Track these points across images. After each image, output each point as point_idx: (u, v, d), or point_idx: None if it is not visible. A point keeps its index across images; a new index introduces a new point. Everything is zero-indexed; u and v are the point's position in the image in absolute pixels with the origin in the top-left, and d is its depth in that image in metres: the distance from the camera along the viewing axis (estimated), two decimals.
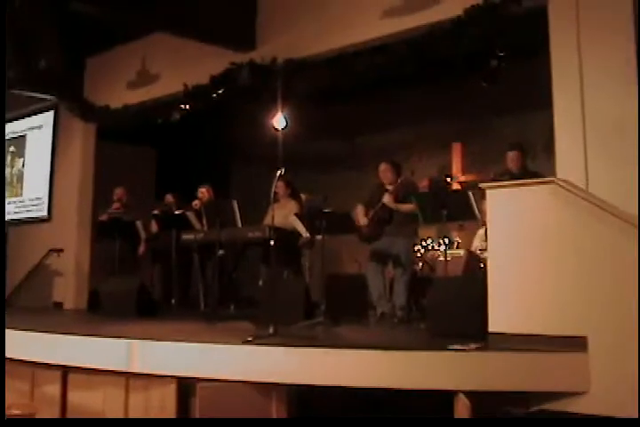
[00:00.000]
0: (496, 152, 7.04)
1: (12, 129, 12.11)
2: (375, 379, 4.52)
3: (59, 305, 10.45)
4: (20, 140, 12.00)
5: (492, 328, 4.85)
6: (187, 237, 7.91)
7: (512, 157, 6.88)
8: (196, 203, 8.42)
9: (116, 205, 9.62)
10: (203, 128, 10.93)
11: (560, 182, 4.84)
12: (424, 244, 8.92)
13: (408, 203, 6.85)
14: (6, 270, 10.97)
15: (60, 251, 10.61)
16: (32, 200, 11.50)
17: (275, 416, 4.97)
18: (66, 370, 5.62)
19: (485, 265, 5.89)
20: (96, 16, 8.19)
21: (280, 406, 5.00)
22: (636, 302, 4.35)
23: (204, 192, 8.63)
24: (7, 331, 6.14)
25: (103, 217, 9.56)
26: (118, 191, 9.70)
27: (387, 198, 7.03)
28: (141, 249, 9.24)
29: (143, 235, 9.04)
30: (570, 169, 5.69)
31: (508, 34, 6.58)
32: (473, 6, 6.43)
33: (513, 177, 6.42)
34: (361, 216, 7.21)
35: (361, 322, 6.90)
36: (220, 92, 8.64)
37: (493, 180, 6.46)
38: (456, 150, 9.85)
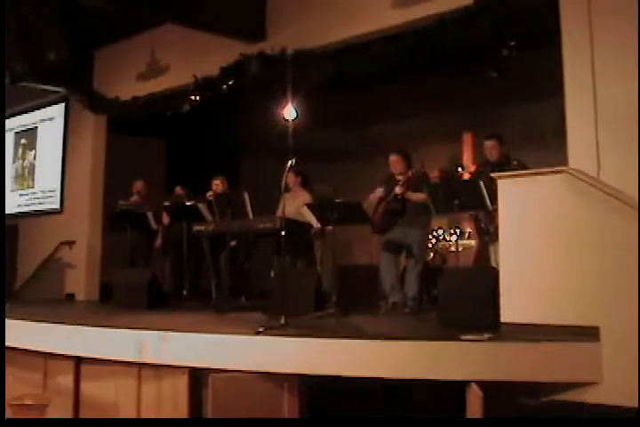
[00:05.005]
0: (507, 142, 7.02)
1: (23, 121, 12.16)
2: (387, 369, 4.52)
3: (71, 297, 10.51)
4: (32, 132, 12.03)
5: (504, 318, 4.84)
6: (198, 228, 7.90)
7: (489, 146, 6.98)
8: (210, 194, 8.37)
9: (134, 197, 9.63)
10: (212, 119, 10.92)
11: (572, 171, 4.81)
12: (435, 234, 8.90)
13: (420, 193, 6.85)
14: (18, 263, 11.06)
15: (71, 243, 10.65)
16: (44, 192, 11.54)
17: (286, 406, 4.98)
18: (78, 361, 5.66)
19: None
20: (105, 8, 8.18)
21: (292, 396, 5.01)
22: None
23: (218, 184, 8.58)
24: (20, 322, 6.20)
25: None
26: (138, 184, 9.70)
27: (398, 190, 7.02)
28: (159, 242, 9.26)
29: (154, 226, 9.06)
30: (582, 158, 5.66)
31: (519, 22, 6.53)
32: None
33: (494, 167, 6.48)
34: (377, 193, 7.21)
35: (372, 313, 6.89)
36: (229, 83, 8.63)
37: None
38: (467, 140, 9.80)
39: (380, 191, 7.23)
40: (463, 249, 7.99)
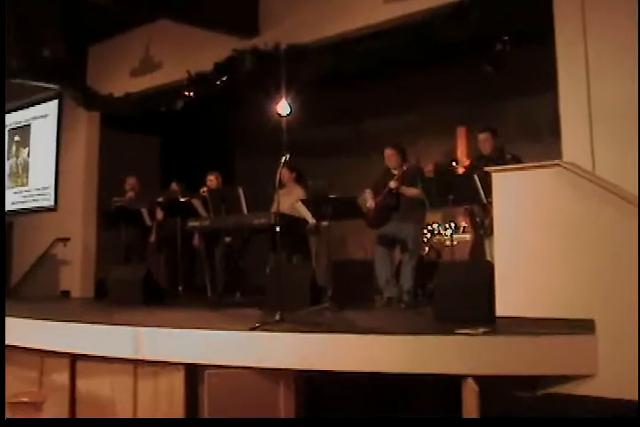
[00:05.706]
0: (502, 136, 7.04)
1: (16, 118, 12.12)
2: (382, 364, 4.52)
3: (66, 294, 10.49)
4: (25, 129, 11.99)
5: (499, 312, 4.84)
6: (192, 224, 7.90)
7: (482, 139, 7.01)
8: (204, 190, 8.37)
9: (129, 194, 9.60)
10: (206, 115, 10.90)
11: (565, 165, 4.81)
12: (430, 228, 8.91)
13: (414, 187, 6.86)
14: (12, 260, 11.03)
15: (66, 240, 10.64)
16: (38, 189, 11.51)
17: (282, 402, 4.99)
18: (74, 358, 5.64)
19: None
20: (98, 3, 8.15)
21: (288, 391, 5.02)
22: None
23: (212, 179, 8.59)
24: (15, 319, 6.18)
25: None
26: (130, 181, 9.67)
27: (393, 184, 7.02)
28: (153, 237, 9.23)
29: (149, 222, 9.05)
30: (576, 152, 5.68)
31: (512, 17, 6.53)
32: None
33: (488, 161, 6.48)
34: (369, 199, 7.20)
35: (367, 307, 6.89)
36: (223, 79, 8.61)
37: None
38: (461, 135, 9.81)
39: (370, 200, 7.21)
40: (458, 243, 8.01)
